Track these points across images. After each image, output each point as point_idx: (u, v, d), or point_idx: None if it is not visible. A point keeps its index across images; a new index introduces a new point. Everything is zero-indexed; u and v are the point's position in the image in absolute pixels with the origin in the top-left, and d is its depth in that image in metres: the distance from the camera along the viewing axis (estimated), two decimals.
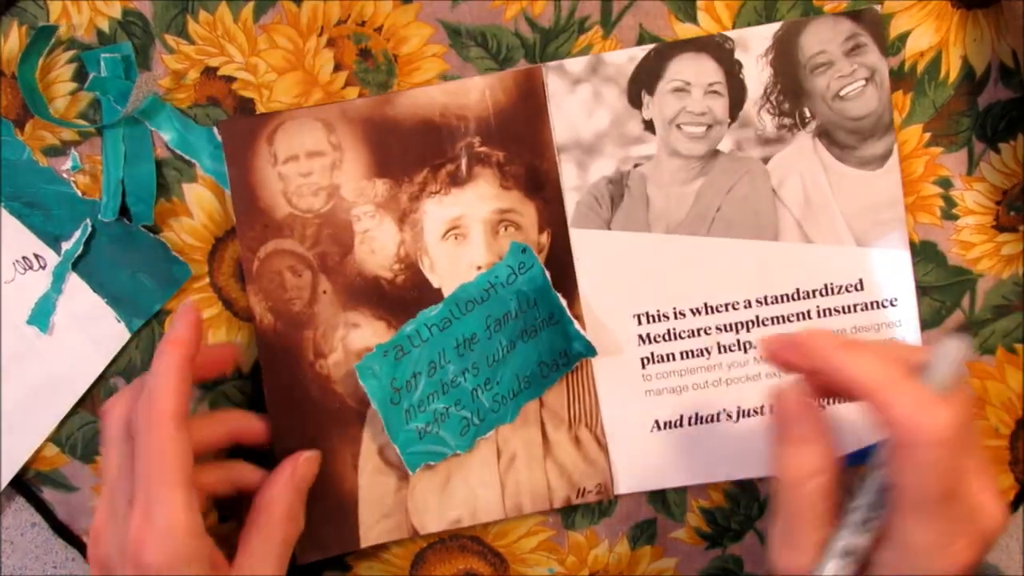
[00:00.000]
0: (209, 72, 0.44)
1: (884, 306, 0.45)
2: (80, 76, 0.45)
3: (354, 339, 0.44)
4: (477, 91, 0.44)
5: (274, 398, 0.44)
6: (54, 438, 0.46)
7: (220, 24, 0.44)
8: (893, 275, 0.45)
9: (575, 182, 0.44)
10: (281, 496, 0.41)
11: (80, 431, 0.46)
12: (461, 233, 0.45)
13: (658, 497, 0.47)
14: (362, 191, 0.44)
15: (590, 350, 0.44)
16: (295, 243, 0.44)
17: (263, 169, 0.44)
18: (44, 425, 0.46)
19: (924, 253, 0.45)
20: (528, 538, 0.47)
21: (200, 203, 0.45)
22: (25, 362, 0.45)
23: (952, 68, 0.44)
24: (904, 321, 0.45)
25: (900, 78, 0.44)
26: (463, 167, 0.44)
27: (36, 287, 0.45)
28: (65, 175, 0.45)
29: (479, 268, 0.44)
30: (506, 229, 0.45)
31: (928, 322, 0.46)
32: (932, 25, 0.44)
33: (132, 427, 0.38)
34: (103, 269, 0.45)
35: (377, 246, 0.44)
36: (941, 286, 0.45)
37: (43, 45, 0.44)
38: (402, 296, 0.44)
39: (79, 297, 0.45)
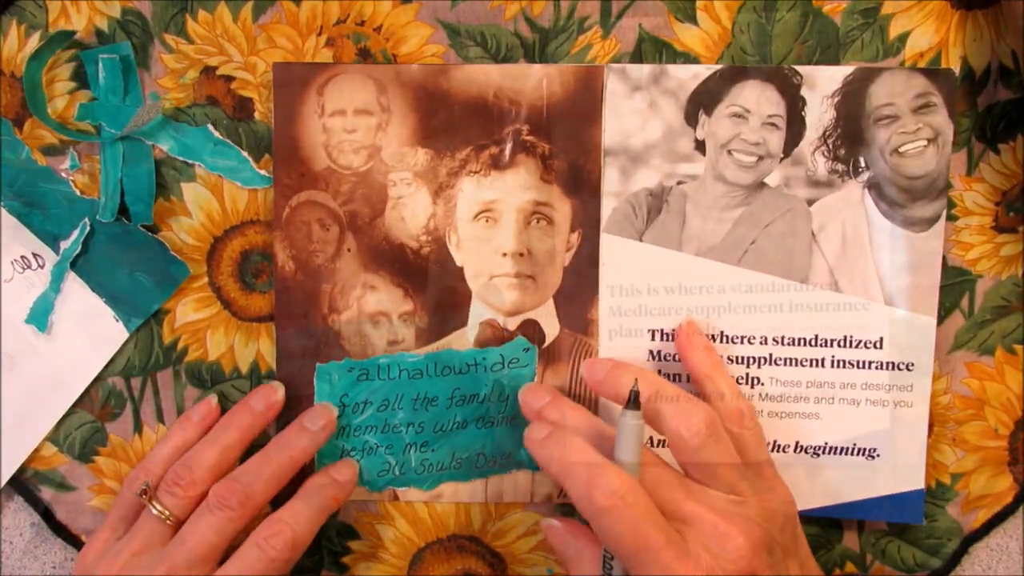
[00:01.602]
0: (208, 71, 0.44)
1: (900, 368, 0.45)
2: (78, 75, 0.44)
3: (369, 300, 0.45)
4: (535, 79, 0.43)
5: (284, 345, 0.45)
6: (52, 438, 0.46)
7: (219, 23, 0.44)
8: (916, 339, 0.44)
9: (616, 188, 0.44)
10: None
11: (78, 431, 0.46)
12: (493, 217, 0.44)
13: None
14: (403, 157, 0.44)
15: (532, 465, 0.45)
16: (328, 197, 0.44)
17: (308, 118, 0.44)
18: (42, 424, 0.46)
19: None
20: (527, 538, 0.47)
21: (199, 202, 0.45)
22: (23, 361, 0.45)
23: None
24: (916, 387, 0.45)
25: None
26: (507, 152, 0.44)
27: (34, 286, 0.45)
28: (64, 174, 0.44)
29: (504, 255, 0.44)
30: (538, 222, 0.44)
31: None
32: (932, 26, 0.43)
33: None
34: (102, 268, 0.45)
35: (408, 214, 0.44)
36: (940, 287, 0.45)
37: (58, 47, 0.43)
38: (424, 268, 0.45)
39: (78, 296, 0.45)
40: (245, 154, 0.44)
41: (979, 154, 0.45)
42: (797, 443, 0.45)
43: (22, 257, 0.45)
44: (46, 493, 0.47)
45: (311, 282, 0.45)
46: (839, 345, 0.45)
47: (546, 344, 0.45)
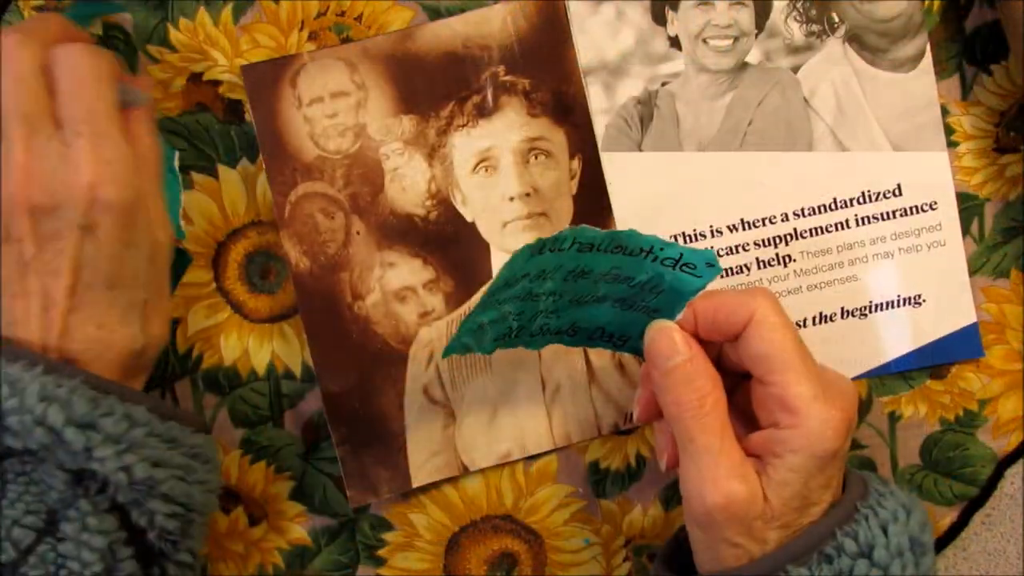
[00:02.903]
0: (195, 78, 0.44)
1: (924, 210, 0.44)
2: None
3: (391, 279, 0.44)
4: (499, 19, 0.43)
5: (315, 343, 0.44)
6: None
7: (201, 29, 0.43)
8: (932, 177, 0.44)
9: (603, 105, 0.44)
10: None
11: None
12: (491, 165, 0.44)
13: None
14: (389, 128, 0.44)
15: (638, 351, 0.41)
16: (326, 185, 0.44)
17: (288, 112, 0.43)
18: None
19: None
20: (560, 511, 0.47)
21: (199, 209, 0.44)
22: None
23: None
24: (944, 224, 0.44)
25: None
26: (489, 97, 0.44)
27: None
28: None
29: (511, 199, 0.44)
30: (536, 157, 0.44)
31: None
32: None
33: (50, 73, 0.35)
34: None
35: (408, 183, 0.44)
36: None
37: None
38: (436, 232, 0.44)
39: None
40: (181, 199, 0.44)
41: (972, 77, 0.45)
42: (842, 309, 0.45)
43: None
44: None
45: (328, 274, 0.44)
46: (858, 203, 0.44)
47: None
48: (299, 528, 0.46)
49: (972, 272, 0.45)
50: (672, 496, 0.47)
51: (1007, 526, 0.47)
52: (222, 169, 0.44)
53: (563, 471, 0.46)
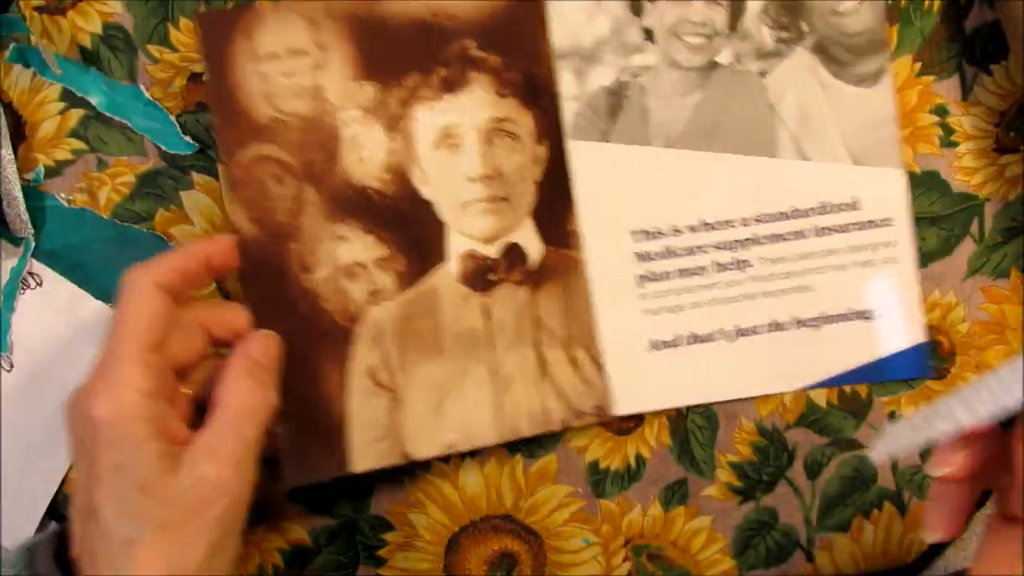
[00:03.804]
0: (195, 78, 0.43)
1: (879, 225, 0.45)
2: (67, 95, 0.43)
3: (342, 253, 0.42)
4: None
5: (258, 315, 0.41)
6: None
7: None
8: (888, 194, 0.45)
9: (574, 91, 0.43)
10: (237, 385, 0.37)
11: None
12: (454, 143, 0.42)
13: (686, 456, 0.46)
14: (349, 94, 0.42)
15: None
16: (278, 149, 0.41)
17: (242, 67, 0.41)
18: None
19: (927, 183, 0.45)
20: (560, 511, 0.46)
21: (199, 209, 0.44)
22: (42, 386, 0.43)
23: None
24: (899, 241, 0.45)
25: (885, 10, 0.44)
26: (456, 72, 0.42)
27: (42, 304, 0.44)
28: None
29: (472, 180, 0.42)
30: (502, 139, 0.43)
31: (938, 252, 0.46)
32: None
33: None
34: (103, 274, 0.44)
35: (366, 154, 0.42)
36: (948, 214, 0.45)
37: None
38: (392, 208, 0.42)
39: (85, 308, 0.44)
40: (173, 119, 0.43)
41: (972, 77, 0.45)
42: (795, 318, 0.45)
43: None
44: None
45: (276, 243, 0.41)
46: (817, 213, 0.45)
47: (530, 265, 0.43)
48: (299, 528, 0.45)
49: (972, 272, 0.46)
50: (671, 497, 0.46)
51: None
52: (222, 169, 0.43)
53: (563, 471, 0.45)
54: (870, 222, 0.45)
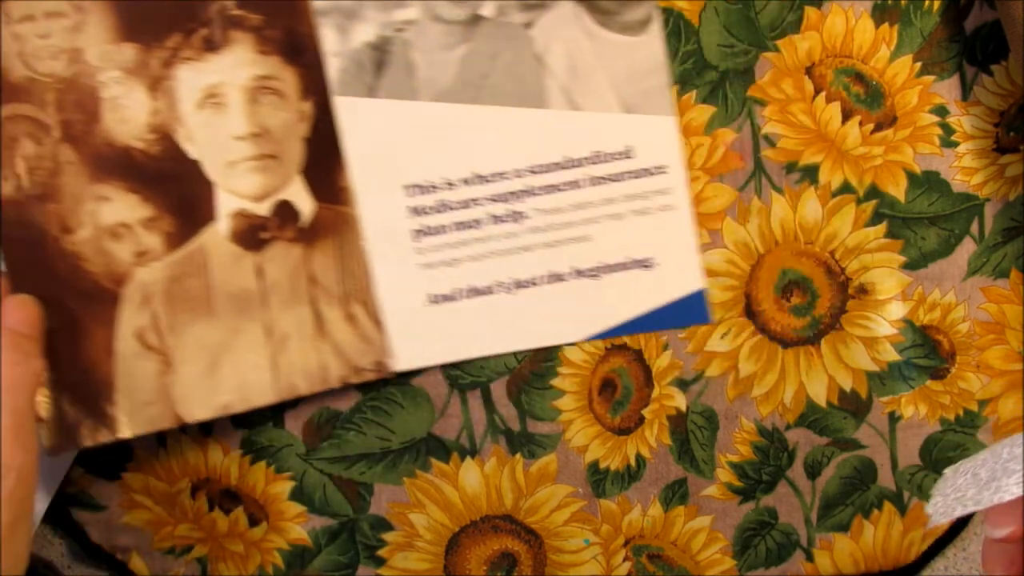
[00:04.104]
0: None
1: (653, 173, 0.46)
2: None
3: (104, 213, 0.42)
4: None
5: (17, 276, 0.41)
6: (77, 458, 0.45)
7: None
8: (661, 142, 0.45)
9: (337, 47, 0.43)
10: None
11: (103, 448, 0.43)
12: (219, 102, 0.43)
13: (686, 456, 0.46)
14: (108, 56, 0.42)
15: None
16: (35, 109, 0.41)
17: None
18: None
19: (927, 183, 0.45)
20: (560, 511, 0.46)
21: None
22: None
23: None
24: (674, 188, 0.46)
25: (885, 10, 0.44)
26: (217, 31, 0.42)
27: None
28: None
29: (239, 138, 0.43)
30: (266, 97, 0.43)
31: (938, 252, 0.46)
32: None
33: None
34: None
35: (128, 115, 0.42)
36: (948, 214, 0.45)
37: None
38: (157, 168, 0.42)
39: None
40: None
41: (972, 78, 0.45)
42: (574, 269, 0.45)
43: None
44: (79, 516, 0.45)
45: (34, 204, 0.41)
46: (591, 163, 0.45)
47: (303, 223, 0.43)
48: (299, 528, 0.45)
49: (972, 272, 0.46)
50: (672, 497, 0.46)
51: None
52: None
53: (563, 471, 0.46)
54: (644, 170, 0.45)
